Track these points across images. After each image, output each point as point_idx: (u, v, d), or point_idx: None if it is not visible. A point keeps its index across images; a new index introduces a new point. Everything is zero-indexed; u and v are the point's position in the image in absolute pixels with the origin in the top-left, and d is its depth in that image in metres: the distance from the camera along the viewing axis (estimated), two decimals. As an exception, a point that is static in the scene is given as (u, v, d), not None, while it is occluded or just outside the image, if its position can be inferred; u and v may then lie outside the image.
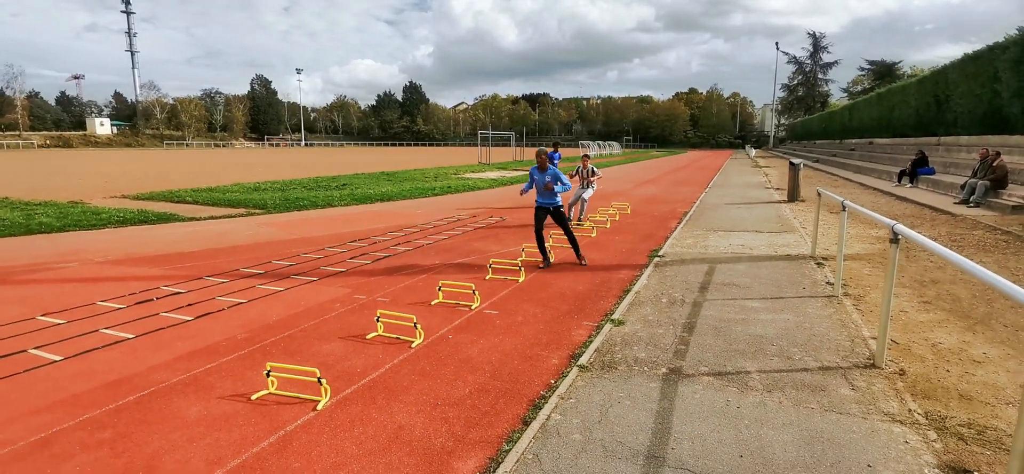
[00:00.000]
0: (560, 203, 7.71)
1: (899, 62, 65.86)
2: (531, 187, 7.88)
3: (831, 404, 3.56)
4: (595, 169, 11.48)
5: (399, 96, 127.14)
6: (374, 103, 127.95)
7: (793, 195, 15.41)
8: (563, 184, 7.57)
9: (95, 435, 3.23)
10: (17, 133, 79.15)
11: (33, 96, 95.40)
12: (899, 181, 18.35)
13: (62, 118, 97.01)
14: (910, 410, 3.46)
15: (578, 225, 10.84)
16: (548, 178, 7.60)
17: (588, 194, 11.28)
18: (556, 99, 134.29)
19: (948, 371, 4.05)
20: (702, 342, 4.65)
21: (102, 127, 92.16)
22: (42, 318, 5.33)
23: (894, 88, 31.26)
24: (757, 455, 2.99)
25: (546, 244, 7.72)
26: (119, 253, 8.42)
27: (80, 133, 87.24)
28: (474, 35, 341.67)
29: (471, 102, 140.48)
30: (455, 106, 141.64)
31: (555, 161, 14.92)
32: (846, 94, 72.46)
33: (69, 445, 3.11)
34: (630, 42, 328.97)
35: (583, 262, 7.63)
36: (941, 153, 19.64)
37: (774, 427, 3.28)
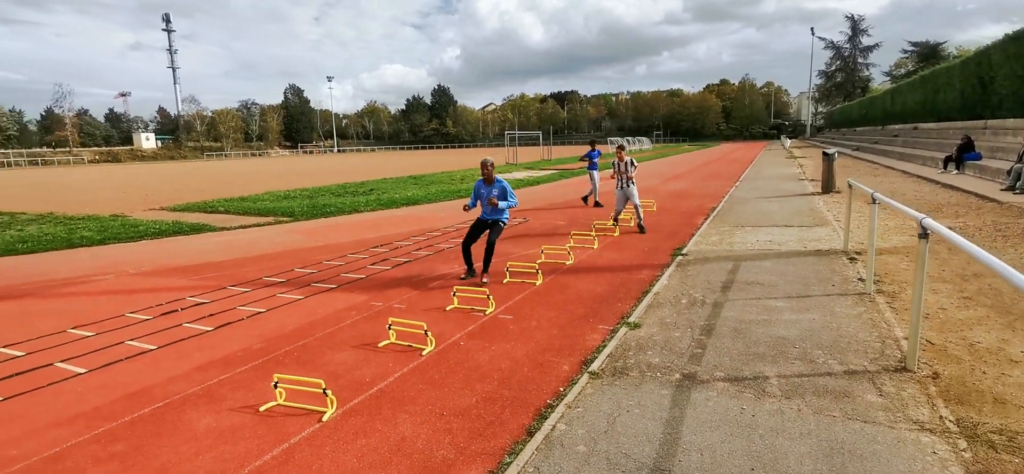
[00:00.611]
0: (504, 221, 7.02)
1: (944, 43, 62.79)
2: (475, 203, 7.11)
3: (855, 412, 3.37)
4: (634, 162, 10.40)
5: (428, 99, 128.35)
6: (403, 107, 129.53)
7: (828, 186, 14.86)
8: (508, 200, 6.84)
9: (108, 448, 3.30)
10: (68, 150, 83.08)
11: (83, 114, 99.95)
12: (944, 168, 17.50)
13: (111, 134, 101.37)
14: (941, 417, 3.25)
15: (641, 233, 10.02)
16: (494, 192, 6.80)
17: (635, 193, 10.19)
18: (584, 96, 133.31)
19: (984, 372, 3.79)
20: (720, 345, 4.48)
21: (147, 141, 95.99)
22: (73, 331, 5.52)
23: (938, 70, 29.86)
24: (770, 468, 2.84)
25: (568, 244, 7.58)
26: (152, 264, 8.70)
27: (128, 148, 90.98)
28: (500, 35, 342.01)
29: (499, 102, 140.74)
30: (484, 107, 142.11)
31: (595, 159, 14.55)
32: (889, 78, 69.53)
33: (82, 459, 3.19)
34: (658, 35, 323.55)
35: (485, 280, 6.67)
36: (988, 137, 18.64)
37: (790, 437, 3.11)
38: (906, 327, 4.66)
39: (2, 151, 76.40)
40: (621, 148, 10.84)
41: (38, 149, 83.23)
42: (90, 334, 5.39)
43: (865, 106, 53.46)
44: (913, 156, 23.54)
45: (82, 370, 4.49)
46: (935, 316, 4.96)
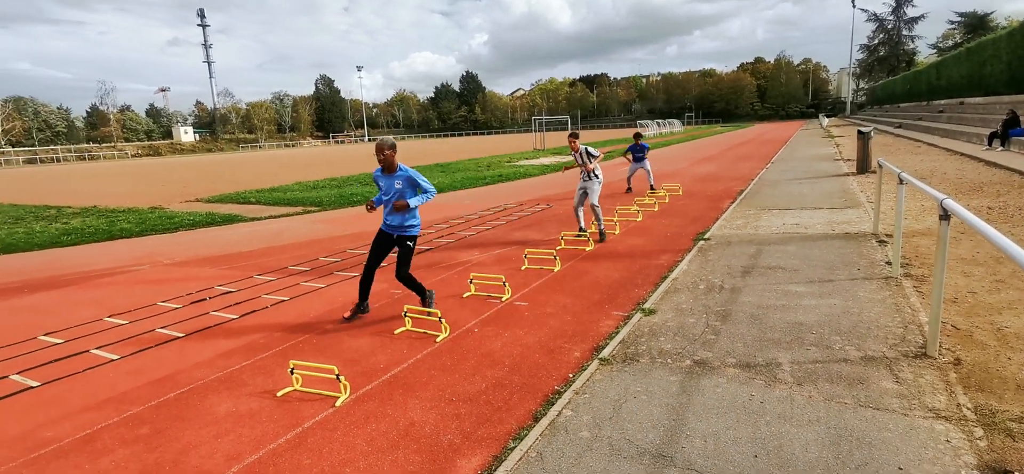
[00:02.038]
0: (413, 232, 5.18)
1: (992, 13, 59.66)
2: (381, 201, 5.27)
3: (868, 399, 3.29)
4: (591, 150, 8.37)
5: (456, 87, 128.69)
6: (432, 95, 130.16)
7: (863, 166, 14.36)
8: (423, 193, 5.06)
9: (134, 431, 3.48)
10: (112, 145, 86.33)
11: (125, 110, 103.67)
12: (989, 144, 16.70)
13: (152, 129, 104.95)
14: (959, 404, 3.15)
15: (600, 241, 8.12)
16: (396, 186, 4.98)
17: (595, 191, 8.25)
18: (614, 79, 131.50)
19: (1010, 359, 3.65)
20: (734, 331, 4.42)
21: (186, 135, 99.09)
22: (109, 319, 5.79)
23: (984, 41, 28.36)
24: (773, 455, 2.81)
25: (589, 229, 7.43)
26: (185, 255, 9.03)
27: (168, 142, 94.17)
28: (528, 19, 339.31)
29: (528, 88, 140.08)
30: (512, 93, 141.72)
31: (640, 156, 13.24)
32: (935, 51, 66.36)
33: (110, 441, 3.37)
34: (689, 13, 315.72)
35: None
36: (1039, 111, 17.66)
37: (798, 424, 3.07)
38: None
39: (51, 147, 79.88)
40: (574, 136, 8.46)
41: (85, 145, 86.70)
42: (124, 322, 5.65)
43: (909, 81, 51.23)
44: (958, 133, 22.52)
45: (115, 356, 4.72)
46: (964, 300, 4.78)
